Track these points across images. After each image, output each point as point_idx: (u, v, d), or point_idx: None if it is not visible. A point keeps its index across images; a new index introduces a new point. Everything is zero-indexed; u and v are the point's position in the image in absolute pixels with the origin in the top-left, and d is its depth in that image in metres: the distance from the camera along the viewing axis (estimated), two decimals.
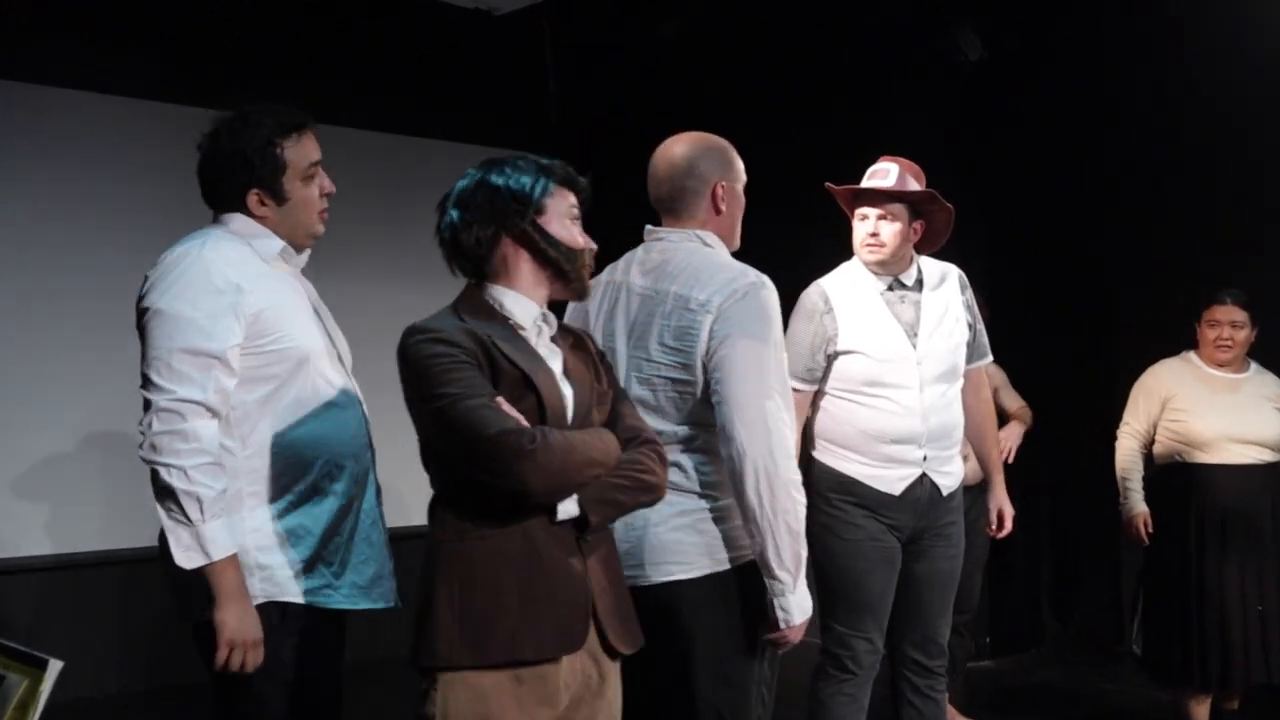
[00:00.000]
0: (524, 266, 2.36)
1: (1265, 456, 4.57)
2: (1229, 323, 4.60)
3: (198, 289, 2.57)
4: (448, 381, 2.21)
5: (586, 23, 5.86)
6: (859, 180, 3.70)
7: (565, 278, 2.39)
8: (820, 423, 3.71)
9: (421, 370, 2.24)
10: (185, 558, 2.51)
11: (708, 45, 5.99)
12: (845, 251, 3.78)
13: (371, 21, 5.50)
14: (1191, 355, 4.72)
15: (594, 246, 2.45)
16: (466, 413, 2.19)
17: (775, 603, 2.62)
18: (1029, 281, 6.06)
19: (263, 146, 2.67)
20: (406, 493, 4.18)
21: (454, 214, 2.36)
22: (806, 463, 3.69)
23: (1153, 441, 4.73)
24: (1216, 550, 4.55)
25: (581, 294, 2.44)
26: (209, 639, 2.54)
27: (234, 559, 2.54)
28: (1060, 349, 6.12)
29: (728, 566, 2.67)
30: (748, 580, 2.67)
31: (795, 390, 3.52)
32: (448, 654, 2.23)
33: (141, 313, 2.61)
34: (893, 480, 3.62)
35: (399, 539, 2.91)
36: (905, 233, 3.66)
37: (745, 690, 2.66)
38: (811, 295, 3.71)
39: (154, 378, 2.54)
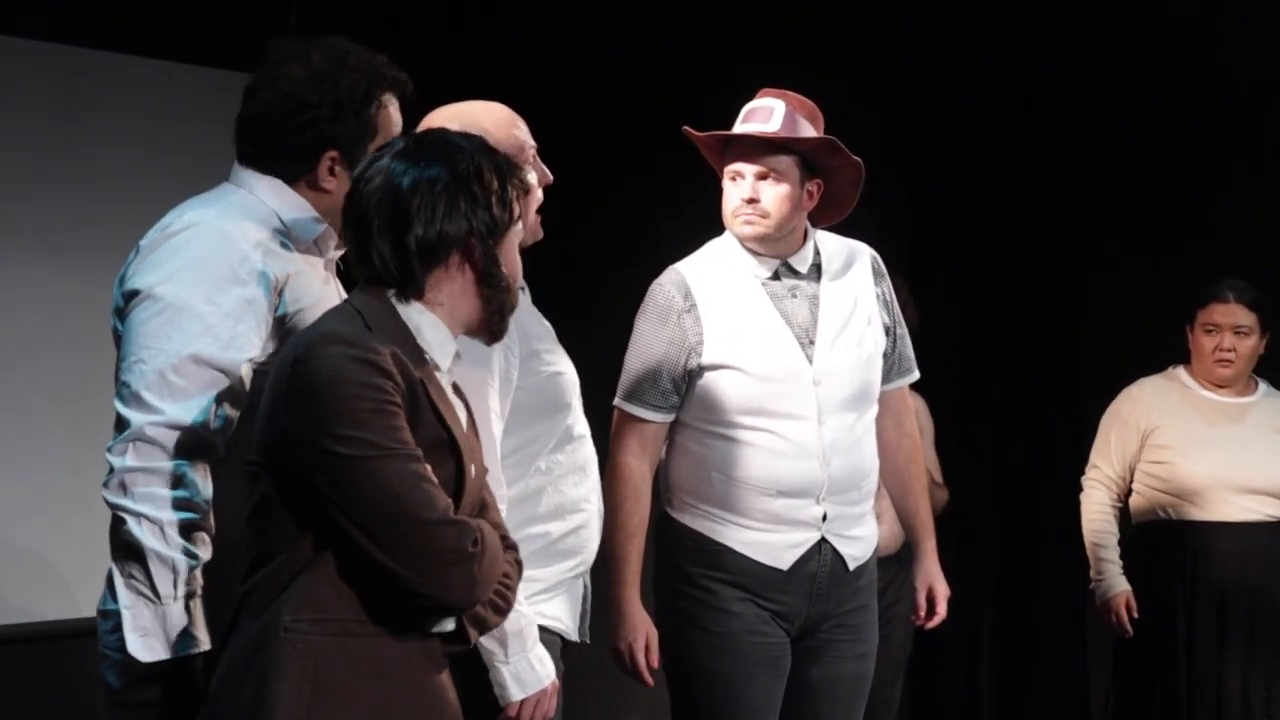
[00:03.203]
0: (456, 290, 2.46)
1: (1277, 511, 4.59)
2: (1231, 327, 4.60)
3: (213, 276, 2.57)
4: (376, 428, 2.25)
5: None
6: (730, 124, 3.59)
7: (494, 319, 2.51)
8: (679, 468, 3.64)
9: (340, 399, 2.25)
10: (142, 646, 2.49)
11: None
12: (714, 224, 3.67)
13: None
14: (1180, 372, 4.73)
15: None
16: (400, 480, 2.25)
17: (491, 677, 2.85)
18: (968, 271, 6.06)
19: (362, 98, 2.69)
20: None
21: (405, 187, 2.39)
22: (661, 524, 3.64)
23: (1129, 491, 4.73)
24: (1212, 637, 4.57)
25: (497, 339, 2.58)
26: None
27: (202, 658, 2.54)
28: (1008, 364, 6.12)
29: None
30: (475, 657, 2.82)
31: (643, 421, 3.58)
32: None
33: (129, 297, 2.58)
34: (780, 549, 3.56)
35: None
36: (796, 197, 3.58)
37: None
38: (665, 287, 3.61)
39: (140, 390, 2.51)
